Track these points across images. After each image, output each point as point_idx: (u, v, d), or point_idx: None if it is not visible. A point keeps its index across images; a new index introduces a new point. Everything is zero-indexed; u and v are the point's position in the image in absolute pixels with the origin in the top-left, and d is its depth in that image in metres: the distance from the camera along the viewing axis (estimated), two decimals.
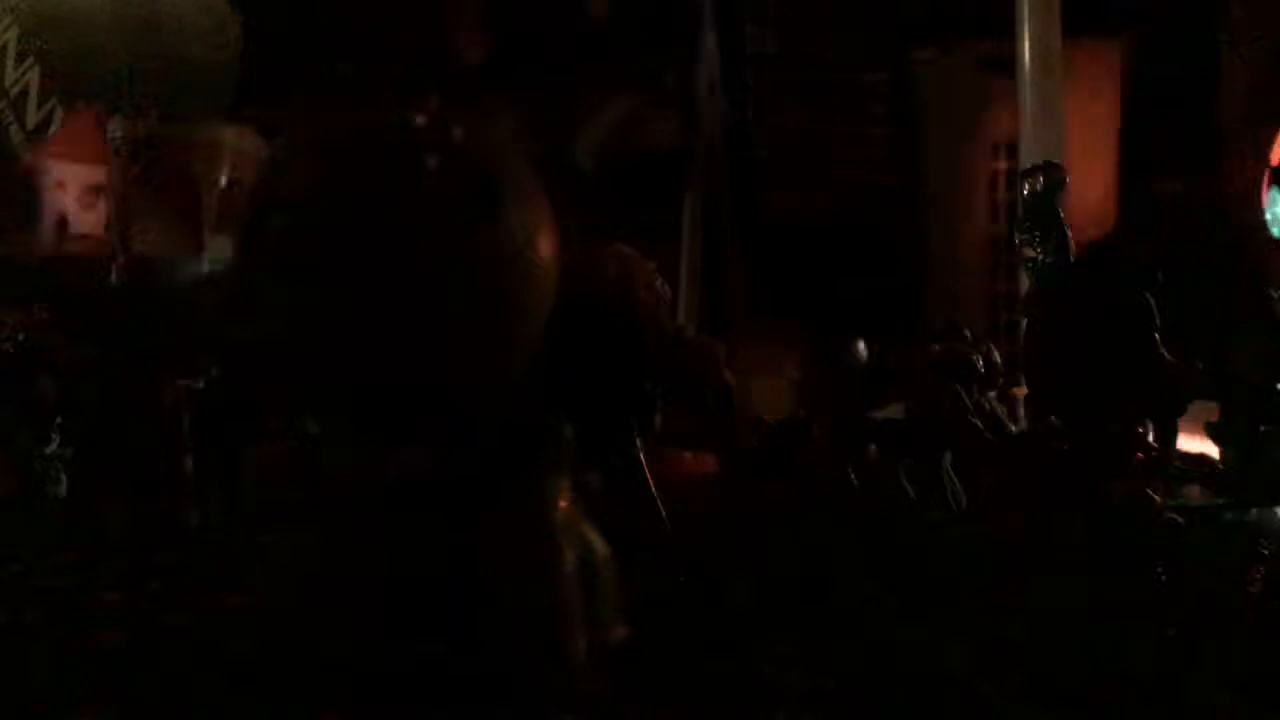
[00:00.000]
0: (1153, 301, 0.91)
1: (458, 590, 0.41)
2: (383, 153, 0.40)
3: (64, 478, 1.17)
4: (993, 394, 1.33)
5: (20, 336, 1.31)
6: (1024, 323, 1.10)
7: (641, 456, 0.94)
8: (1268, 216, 2.54)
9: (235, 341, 0.72)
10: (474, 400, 0.42)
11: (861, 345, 1.37)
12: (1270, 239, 2.54)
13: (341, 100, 0.45)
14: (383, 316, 0.39)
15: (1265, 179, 2.56)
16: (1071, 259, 0.98)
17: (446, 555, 0.42)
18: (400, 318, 0.39)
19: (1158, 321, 0.91)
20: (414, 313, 0.39)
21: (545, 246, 0.42)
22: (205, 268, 2.27)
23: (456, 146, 0.41)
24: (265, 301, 0.41)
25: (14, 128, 2.96)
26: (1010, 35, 2.64)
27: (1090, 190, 2.81)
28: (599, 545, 0.46)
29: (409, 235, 0.39)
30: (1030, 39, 2.53)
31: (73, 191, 2.61)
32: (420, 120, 0.41)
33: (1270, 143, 2.57)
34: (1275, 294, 1.33)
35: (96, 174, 2.47)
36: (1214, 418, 1.39)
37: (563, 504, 0.44)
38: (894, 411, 1.36)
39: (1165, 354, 0.91)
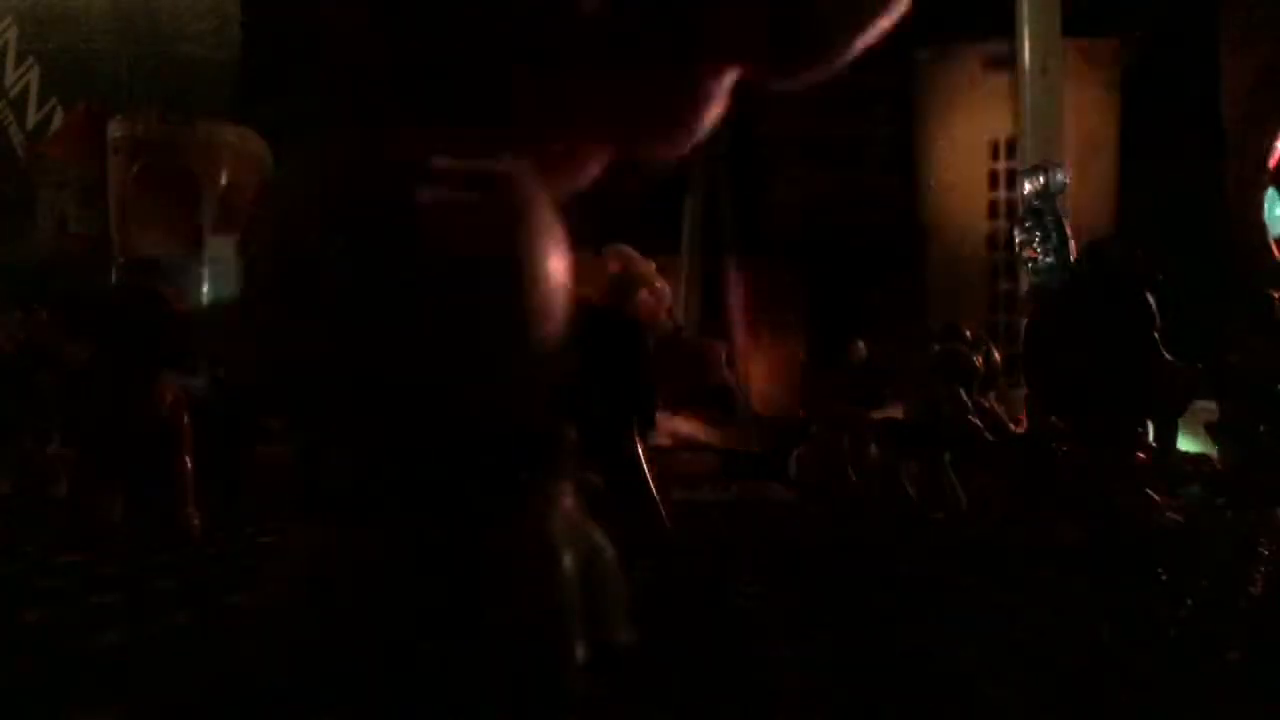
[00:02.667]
0: (1153, 301, 0.91)
1: (459, 592, 0.41)
2: (386, 173, 0.40)
3: (64, 478, 1.18)
4: (993, 394, 1.33)
5: (20, 337, 1.31)
6: (1024, 323, 1.10)
7: (642, 456, 0.94)
8: (1265, 218, 2.54)
9: (237, 357, 0.72)
10: (482, 411, 0.42)
11: (861, 345, 1.38)
12: (1268, 239, 2.54)
13: (343, 121, 0.44)
14: (390, 334, 0.39)
15: (1265, 179, 2.56)
16: (1071, 259, 0.99)
17: (448, 557, 0.42)
18: (408, 335, 0.39)
19: (1158, 321, 0.91)
20: (422, 330, 0.39)
21: (558, 260, 0.42)
22: (205, 268, 2.28)
23: (464, 165, 0.41)
24: (269, 321, 0.41)
25: (14, 128, 2.96)
26: (1010, 35, 2.64)
27: (1090, 190, 2.81)
28: (605, 547, 0.46)
29: (416, 252, 0.39)
30: (1030, 39, 2.54)
31: (73, 191, 2.61)
32: (425, 140, 0.41)
33: (1270, 143, 2.56)
34: (1275, 294, 1.33)
35: (96, 174, 2.47)
36: (1214, 418, 1.40)
37: (567, 505, 0.44)
38: (894, 411, 1.36)
39: (1165, 354, 0.91)
